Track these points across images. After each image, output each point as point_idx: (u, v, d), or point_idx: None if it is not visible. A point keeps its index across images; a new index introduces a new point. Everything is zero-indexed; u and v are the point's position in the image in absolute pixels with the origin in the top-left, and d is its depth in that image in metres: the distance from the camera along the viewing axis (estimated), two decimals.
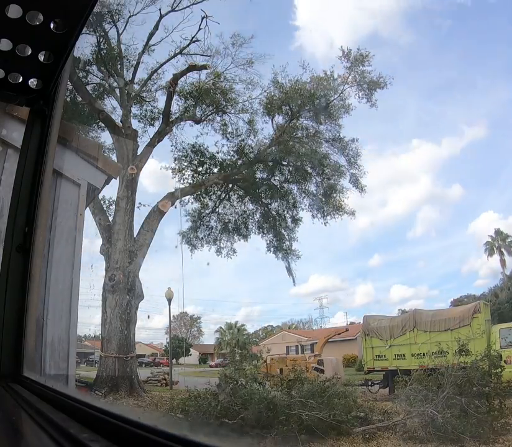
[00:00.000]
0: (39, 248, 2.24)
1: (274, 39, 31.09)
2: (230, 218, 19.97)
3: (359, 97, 18.08)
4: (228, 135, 18.51)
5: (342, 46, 17.83)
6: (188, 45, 16.81)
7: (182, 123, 18.00)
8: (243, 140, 18.67)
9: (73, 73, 13.31)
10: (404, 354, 14.05)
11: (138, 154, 15.87)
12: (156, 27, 16.46)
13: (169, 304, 17.99)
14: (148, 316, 40.07)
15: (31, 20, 1.67)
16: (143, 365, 25.89)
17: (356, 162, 18.56)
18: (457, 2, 28.88)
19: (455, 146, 35.22)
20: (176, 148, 18.17)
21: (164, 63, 17.06)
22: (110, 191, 15.40)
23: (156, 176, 24.81)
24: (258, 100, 18.06)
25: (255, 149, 18.80)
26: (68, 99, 13.84)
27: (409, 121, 37.21)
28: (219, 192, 19.70)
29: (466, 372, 8.91)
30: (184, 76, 16.89)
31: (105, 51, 16.32)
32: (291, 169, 19.18)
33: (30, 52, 1.86)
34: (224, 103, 18.10)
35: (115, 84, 16.79)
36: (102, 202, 15.76)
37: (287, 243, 19.65)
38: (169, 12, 16.34)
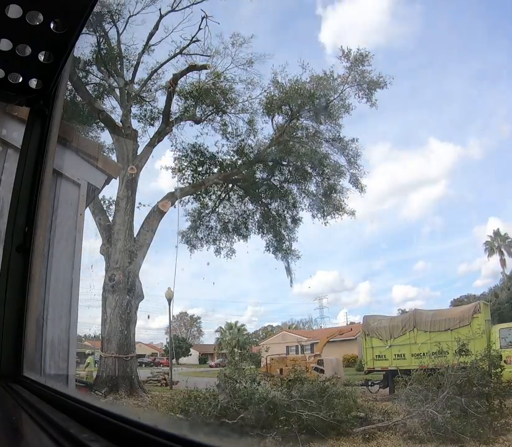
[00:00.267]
0: (39, 248, 2.24)
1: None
2: (230, 218, 19.99)
3: (359, 97, 18.13)
4: (228, 135, 18.54)
5: (341, 46, 17.87)
6: (188, 45, 16.85)
7: (182, 123, 18.03)
8: (243, 140, 18.69)
9: (73, 73, 13.31)
10: (404, 354, 14.04)
11: (138, 154, 15.89)
12: (156, 27, 16.50)
13: (170, 304, 17.99)
14: (148, 316, 40.07)
15: (31, 20, 1.67)
16: (143, 365, 25.90)
17: (356, 162, 18.59)
18: None
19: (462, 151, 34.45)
20: (176, 147, 18.23)
21: (164, 62, 17.11)
22: (110, 191, 15.45)
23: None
24: (258, 100, 18.10)
25: (255, 149, 18.80)
26: (68, 99, 13.85)
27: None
28: (219, 192, 19.71)
29: (466, 372, 8.90)
30: (184, 76, 16.94)
31: (105, 51, 16.32)
32: (291, 169, 19.17)
33: (30, 52, 1.86)
34: (224, 103, 18.10)
35: (115, 84, 16.80)
36: (102, 202, 15.77)
37: (287, 243, 19.69)
38: (169, 12, 16.38)
